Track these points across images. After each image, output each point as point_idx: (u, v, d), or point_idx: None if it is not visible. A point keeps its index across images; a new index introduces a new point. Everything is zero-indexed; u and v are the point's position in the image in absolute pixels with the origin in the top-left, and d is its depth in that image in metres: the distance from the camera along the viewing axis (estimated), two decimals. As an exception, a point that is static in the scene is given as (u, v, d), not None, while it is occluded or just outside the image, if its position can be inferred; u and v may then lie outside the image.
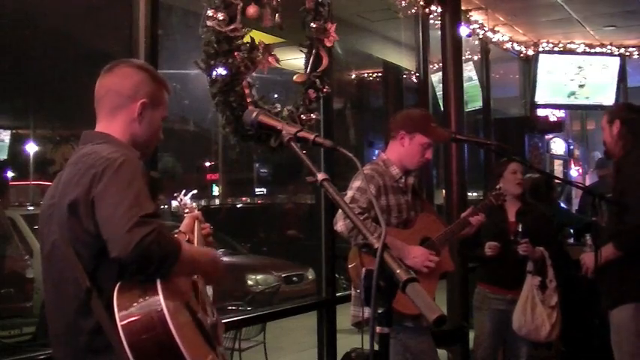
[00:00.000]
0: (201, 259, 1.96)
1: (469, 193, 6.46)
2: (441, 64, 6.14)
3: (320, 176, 1.56)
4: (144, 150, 2.03)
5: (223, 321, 2.33)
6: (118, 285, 1.74)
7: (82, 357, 1.82)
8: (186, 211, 2.38)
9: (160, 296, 1.70)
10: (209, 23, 3.35)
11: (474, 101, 7.45)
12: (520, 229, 3.99)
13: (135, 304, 1.70)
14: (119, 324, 1.67)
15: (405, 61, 7.22)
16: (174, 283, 1.80)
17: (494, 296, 4.13)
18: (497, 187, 3.84)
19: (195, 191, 2.52)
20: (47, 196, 1.95)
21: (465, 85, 6.43)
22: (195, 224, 2.30)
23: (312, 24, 3.94)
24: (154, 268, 1.70)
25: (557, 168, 9.16)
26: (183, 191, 2.48)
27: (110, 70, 2.04)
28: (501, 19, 7.24)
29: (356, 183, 3.10)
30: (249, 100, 3.45)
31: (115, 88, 2.00)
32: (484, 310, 4.16)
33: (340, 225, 3.00)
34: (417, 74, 6.28)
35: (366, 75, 9.54)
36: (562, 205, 7.51)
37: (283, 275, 9.65)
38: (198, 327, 1.86)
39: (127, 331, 1.66)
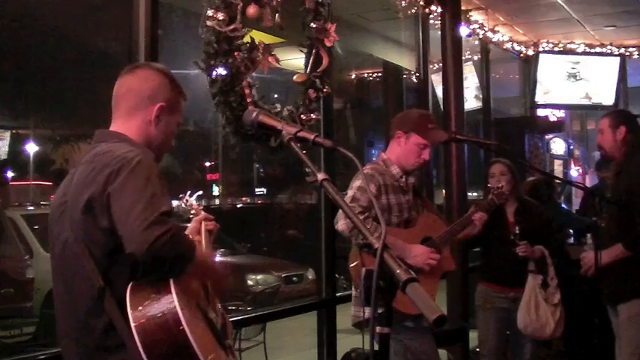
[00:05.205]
0: (213, 263, 2.00)
1: (469, 193, 6.46)
2: (441, 64, 6.14)
3: (320, 176, 1.55)
4: (156, 153, 2.03)
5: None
6: (130, 284, 1.74)
7: (94, 355, 1.82)
8: (192, 212, 2.37)
9: (174, 295, 1.70)
10: (209, 23, 3.34)
11: None
12: (517, 231, 3.98)
13: (148, 303, 1.70)
14: (132, 323, 1.67)
15: (405, 61, 7.20)
16: (186, 282, 1.81)
17: (496, 295, 4.13)
18: (499, 185, 3.84)
19: (200, 192, 2.50)
20: (58, 194, 1.94)
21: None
22: (202, 225, 2.29)
23: (312, 24, 3.94)
24: (167, 268, 1.72)
25: (557, 168, 9.16)
26: (189, 192, 2.46)
27: (131, 71, 2.05)
28: (501, 19, 7.24)
29: (356, 182, 3.09)
30: (249, 100, 3.44)
31: (134, 89, 2.01)
32: (488, 309, 4.16)
33: (341, 224, 2.99)
34: (417, 74, 6.28)
35: (366, 75, 9.52)
36: (563, 205, 7.50)
37: (283, 275, 9.66)
38: (209, 326, 1.87)
39: (140, 329, 1.66)
